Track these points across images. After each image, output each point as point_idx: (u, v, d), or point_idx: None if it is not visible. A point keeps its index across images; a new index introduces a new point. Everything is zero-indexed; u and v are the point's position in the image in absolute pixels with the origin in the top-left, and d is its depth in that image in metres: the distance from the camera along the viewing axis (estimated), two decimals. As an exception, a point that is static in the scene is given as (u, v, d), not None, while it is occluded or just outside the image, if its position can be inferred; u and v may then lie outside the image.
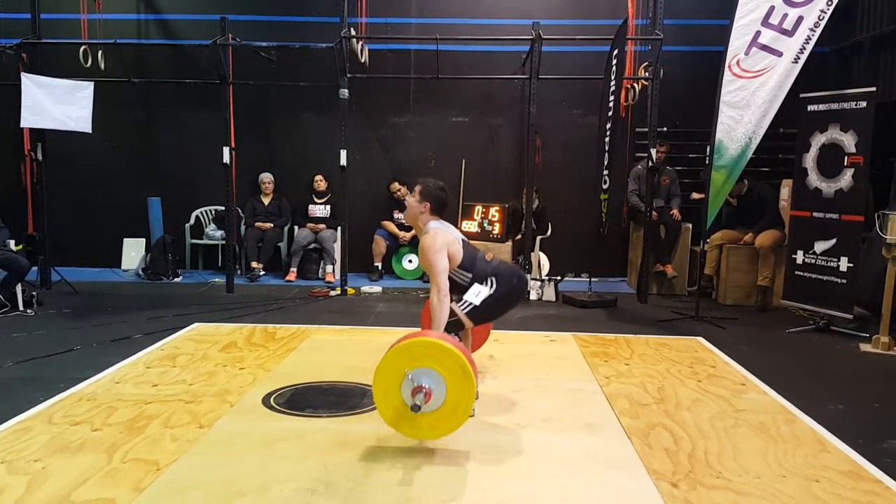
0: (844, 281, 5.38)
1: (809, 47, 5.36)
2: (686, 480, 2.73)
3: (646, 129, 6.67)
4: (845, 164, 5.37)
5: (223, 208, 7.15)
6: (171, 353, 4.45)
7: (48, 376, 3.92)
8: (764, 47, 5.41)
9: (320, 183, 7.67)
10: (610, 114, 6.17)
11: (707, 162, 5.77)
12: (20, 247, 6.46)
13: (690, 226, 6.98)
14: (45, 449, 2.91)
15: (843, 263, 5.39)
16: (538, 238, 7.06)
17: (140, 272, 7.53)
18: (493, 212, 7.62)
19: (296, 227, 7.66)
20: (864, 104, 5.27)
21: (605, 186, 6.30)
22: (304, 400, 3.60)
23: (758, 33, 5.40)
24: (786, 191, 6.67)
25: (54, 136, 6.75)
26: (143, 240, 7.88)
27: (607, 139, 6.21)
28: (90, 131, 6.44)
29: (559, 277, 6.86)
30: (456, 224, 7.80)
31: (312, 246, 7.54)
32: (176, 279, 7.38)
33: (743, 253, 6.54)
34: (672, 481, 2.72)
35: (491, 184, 7.84)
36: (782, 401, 3.72)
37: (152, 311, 5.74)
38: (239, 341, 4.76)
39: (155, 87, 7.68)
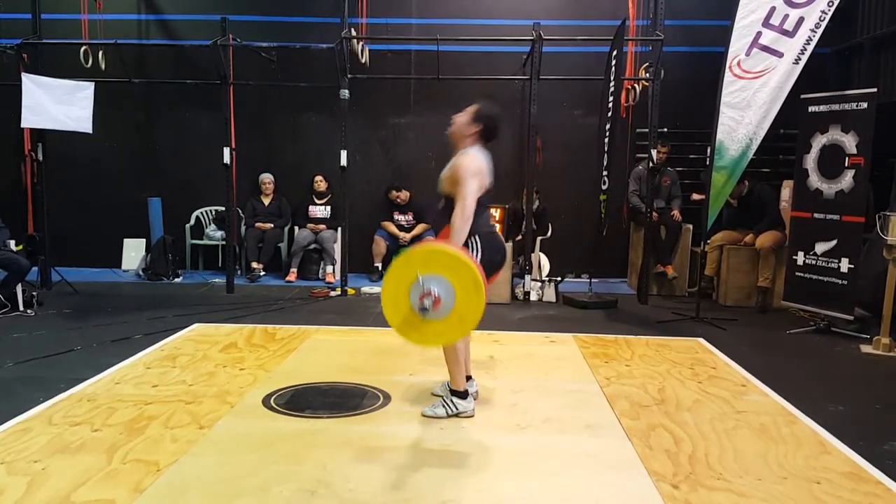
0: (845, 282, 5.38)
1: (810, 48, 5.35)
2: (687, 482, 2.73)
3: (646, 130, 6.67)
4: (846, 165, 5.37)
5: (223, 209, 7.15)
6: (171, 353, 4.45)
7: (48, 377, 3.91)
8: (765, 48, 5.41)
9: (320, 184, 7.67)
10: (609, 114, 6.17)
11: (708, 163, 5.77)
12: (20, 247, 6.45)
13: (691, 227, 6.98)
14: (44, 450, 2.90)
15: (844, 265, 5.39)
16: (538, 239, 7.06)
17: (140, 272, 7.53)
18: (494, 212, 7.62)
19: (296, 228, 7.66)
20: (864, 105, 5.27)
21: (604, 187, 6.30)
22: (305, 401, 3.59)
23: (759, 34, 5.40)
24: (786, 192, 6.66)
25: (55, 137, 6.75)
26: (144, 240, 7.88)
27: (606, 139, 6.22)
28: (90, 132, 6.45)
29: (559, 278, 6.85)
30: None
31: (313, 246, 7.54)
32: (176, 280, 7.38)
33: (743, 254, 6.54)
34: (673, 483, 2.71)
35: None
36: (783, 402, 3.72)
37: (152, 311, 5.73)
38: (239, 342, 4.76)
39: (155, 87, 7.68)
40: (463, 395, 3.37)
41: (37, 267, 6.58)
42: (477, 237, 3.24)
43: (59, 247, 7.17)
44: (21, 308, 5.58)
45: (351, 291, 6.82)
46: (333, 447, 3.00)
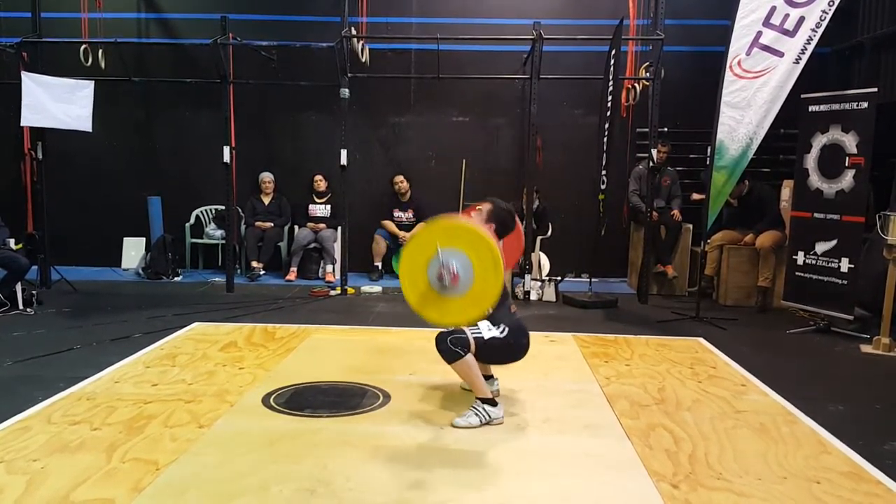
0: (845, 282, 5.38)
1: (811, 48, 5.35)
2: (686, 481, 2.72)
3: (647, 130, 6.66)
4: (846, 164, 5.36)
5: (223, 207, 7.15)
6: (170, 352, 4.45)
7: (47, 375, 3.91)
8: (765, 48, 5.40)
9: (320, 183, 7.66)
10: (608, 114, 6.17)
11: (708, 162, 5.77)
12: (20, 245, 6.45)
13: (691, 226, 6.98)
14: (44, 448, 2.90)
15: (844, 264, 5.38)
16: (538, 238, 7.05)
17: (140, 271, 7.53)
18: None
19: (296, 227, 7.65)
20: (865, 105, 5.26)
21: (602, 186, 6.30)
22: (304, 400, 3.59)
23: (759, 34, 5.39)
24: (787, 191, 6.66)
25: (54, 135, 6.75)
26: (143, 239, 7.87)
27: (605, 139, 6.22)
28: (90, 130, 6.45)
29: (559, 278, 6.85)
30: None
31: (312, 245, 7.54)
32: (176, 278, 7.37)
33: (743, 254, 6.53)
34: (672, 482, 2.71)
35: (491, 184, 7.83)
36: (783, 402, 3.71)
37: (152, 310, 5.73)
38: (239, 341, 4.75)
39: (155, 86, 7.67)
40: (492, 402, 3.33)
41: (36, 266, 6.57)
42: (507, 328, 3.31)
43: (59, 245, 7.17)
44: (21, 307, 5.58)
45: (351, 290, 6.81)
46: (333, 446, 3.00)
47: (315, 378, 3.94)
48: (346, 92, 6.66)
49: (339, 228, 7.06)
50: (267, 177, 7.67)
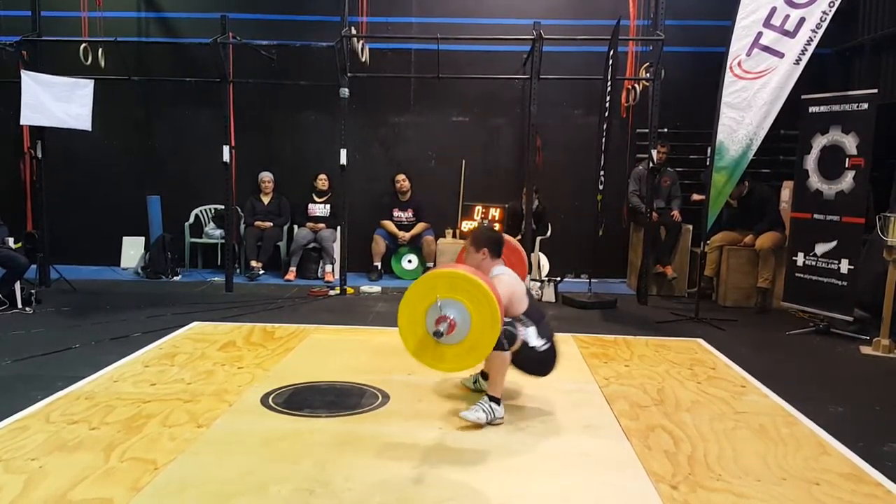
0: (845, 283, 5.38)
1: (811, 49, 5.34)
2: (686, 482, 2.72)
3: (647, 130, 6.66)
4: (846, 165, 5.36)
5: (223, 207, 7.14)
6: (169, 351, 4.44)
7: (46, 374, 3.91)
8: (765, 48, 5.40)
9: (323, 182, 7.64)
10: (607, 114, 6.17)
11: (708, 163, 5.76)
12: (19, 244, 6.44)
13: (691, 227, 6.97)
14: (42, 448, 2.89)
15: (844, 265, 5.38)
16: (538, 238, 7.05)
17: (139, 271, 7.52)
18: (493, 212, 7.63)
19: (295, 227, 7.65)
20: (865, 106, 5.26)
21: (601, 187, 6.29)
22: (303, 400, 3.59)
23: (759, 34, 5.39)
24: (786, 192, 6.66)
25: (54, 134, 6.74)
26: (143, 238, 7.87)
27: (604, 139, 6.21)
28: (90, 129, 6.43)
29: (559, 278, 6.85)
30: (455, 224, 7.82)
31: (312, 245, 7.53)
32: (175, 278, 7.37)
33: (743, 254, 6.53)
34: (672, 483, 2.71)
35: (491, 184, 7.84)
36: (782, 403, 3.71)
37: (151, 309, 5.73)
38: (238, 340, 4.75)
39: (155, 85, 7.67)
40: (499, 401, 3.32)
41: (35, 264, 6.57)
42: (548, 344, 3.41)
43: (58, 244, 7.16)
44: (20, 306, 5.57)
45: (350, 290, 6.81)
46: (332, 446, 2.99)
47: (314, 378, 3.94)
48: (345, 91, 6.65)
49: (339, 228, 7.06)
50: (266, 176, 7.67)
